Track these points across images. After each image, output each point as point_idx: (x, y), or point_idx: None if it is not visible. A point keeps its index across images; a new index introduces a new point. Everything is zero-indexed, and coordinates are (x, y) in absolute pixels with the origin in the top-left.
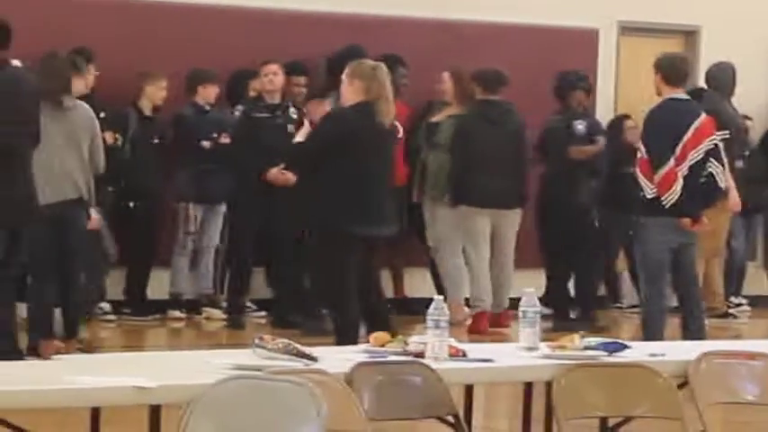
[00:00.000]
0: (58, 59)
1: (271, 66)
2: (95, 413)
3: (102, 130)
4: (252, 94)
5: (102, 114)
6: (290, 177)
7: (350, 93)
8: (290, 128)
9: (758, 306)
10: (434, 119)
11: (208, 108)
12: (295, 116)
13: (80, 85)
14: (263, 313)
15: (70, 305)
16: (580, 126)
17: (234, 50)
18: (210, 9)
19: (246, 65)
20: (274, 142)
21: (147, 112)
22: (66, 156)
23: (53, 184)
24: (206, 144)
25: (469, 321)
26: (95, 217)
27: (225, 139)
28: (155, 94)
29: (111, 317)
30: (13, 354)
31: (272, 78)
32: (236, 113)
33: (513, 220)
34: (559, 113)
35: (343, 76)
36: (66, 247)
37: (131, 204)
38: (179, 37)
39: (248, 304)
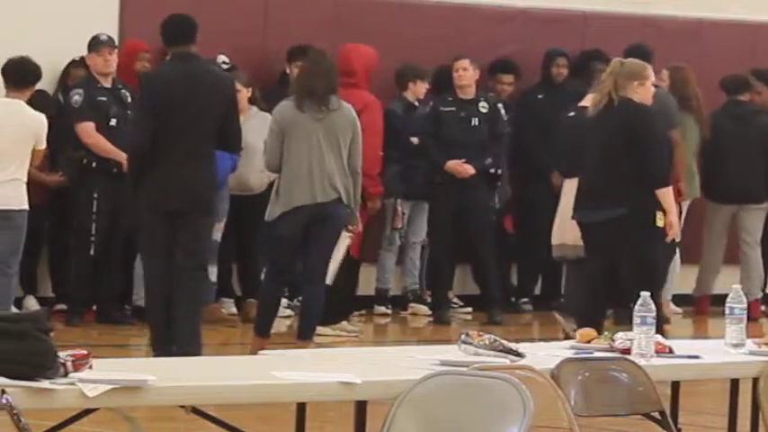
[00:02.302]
0: (325, 59)
1: (461, 61)
2: (301, 408)
3: None
4: None
5: None
6: (469, 169)
7: None
8: (474, 121)
9: None
10: None
11: (417, 104)
12: (485, 110)
13: None
14: (469, 309)
15: (308, 308)
16: None
17: (443, 46)
18: (420, 4)
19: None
20: (455, 135)
21: None
22: (326, 157)
23: (310, 185)
24: (414, 140)
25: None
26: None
27: None
28: None
29: None
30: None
31: (462, 74)
32: (427, 109)
33: (757, 215)
34: None
35: None
36: (312, 248)
37: None
38: (390, 32)
39: (454, 300)
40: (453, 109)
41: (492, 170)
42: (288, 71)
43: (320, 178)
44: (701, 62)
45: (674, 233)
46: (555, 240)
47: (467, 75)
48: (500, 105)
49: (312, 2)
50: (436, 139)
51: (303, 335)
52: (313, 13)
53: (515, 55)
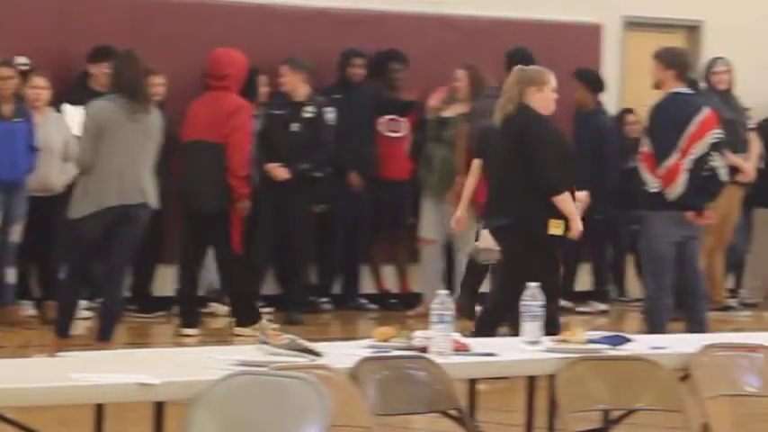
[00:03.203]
0: (140, 61)
1: (280, 68)
2: (99, 410)
3: None
4: (262, 90)
5: None
6: (282, 173)
7: None
8: (294, 126)
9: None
10: (445, 114)
11: None
12: (309, 115)
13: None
14: (269, 309)
15: (109, 309)
16: None
17: (240, 46)
18: (218, 5)
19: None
20: (276, 138)
21: None
22: (139, 159)
23: (121, 187)
24: None
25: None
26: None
27: None
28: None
29: None
30: None
31: (281, 80)
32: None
33: None
34: None
35: None
36: (114, 249)
37: None
38: (189, 34)
39: None
40: (281, 112)
41: (312, 174)
42: (89, 72)
43: (131, 180)
44: (499, 62)
45: (575, 235)
46: (481, 244)
47: (284, 81)
48: (327, 110)
49: (111, 3)
50: (262, 140)
51: (103, 336)
52: (113, 14)
53: (312, 55)
